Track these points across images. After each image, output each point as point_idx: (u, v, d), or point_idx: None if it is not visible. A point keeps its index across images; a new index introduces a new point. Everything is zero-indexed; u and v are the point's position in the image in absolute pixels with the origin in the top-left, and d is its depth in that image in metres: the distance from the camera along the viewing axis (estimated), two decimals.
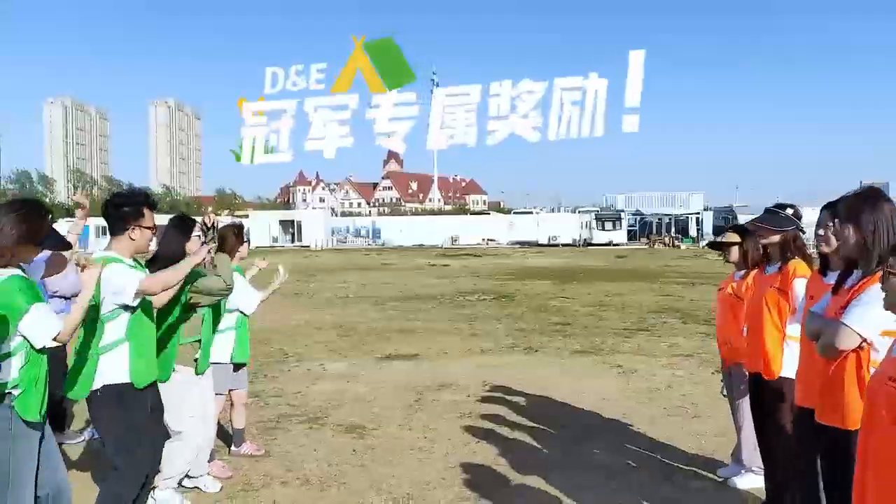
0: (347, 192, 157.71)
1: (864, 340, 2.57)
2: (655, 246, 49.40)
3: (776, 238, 3.70)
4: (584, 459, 4.96)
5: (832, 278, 2.89)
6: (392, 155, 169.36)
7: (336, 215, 78.44)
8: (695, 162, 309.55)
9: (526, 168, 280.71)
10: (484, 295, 16.56)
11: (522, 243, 53.83)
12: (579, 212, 62.46)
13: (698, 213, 60.47)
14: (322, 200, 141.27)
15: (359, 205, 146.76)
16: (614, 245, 50.27)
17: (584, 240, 53.52)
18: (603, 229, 54.04)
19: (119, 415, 3.21)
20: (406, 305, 14.63)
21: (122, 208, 3.30)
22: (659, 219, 62.16)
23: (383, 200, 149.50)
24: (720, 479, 4.50)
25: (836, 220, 2.79)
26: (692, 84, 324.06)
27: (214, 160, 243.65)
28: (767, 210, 3.79)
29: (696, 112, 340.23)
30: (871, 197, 2.70)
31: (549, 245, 52.22)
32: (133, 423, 3.24)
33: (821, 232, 3.00)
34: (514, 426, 5.76)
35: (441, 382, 7.34)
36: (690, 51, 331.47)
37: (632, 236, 57.13)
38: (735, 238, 4.48)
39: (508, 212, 78.92)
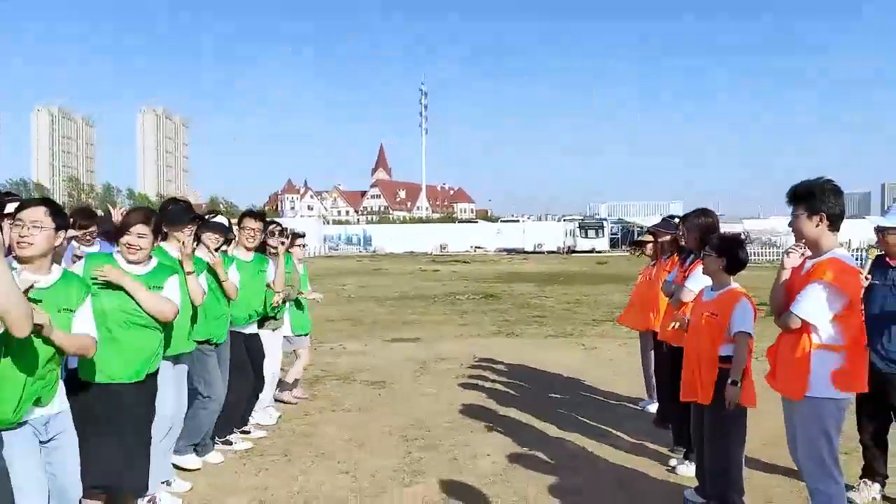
0: (335, 199, 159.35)
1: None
2: (636, 253, 51.34)
3: (668, 237, 5.61)
4: (546, 399, 6.84)
5: (685, 260, 4.80)
6: (380, 163, 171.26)
7: (328, 223, 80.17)
8: (679, 174, 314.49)
9: (513, 177, 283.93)
10: (473, 295, 18.44)
11: (509, 250, 55.91)
12: (564, 220, 64.48)
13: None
14: (310, 208, 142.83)
15: (347, 213, 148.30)
16: (597, 252, 52.30)
17: (568, 247, 55.48)
18: (586, 237, 56.12)
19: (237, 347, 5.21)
20: (404, 303, 16.49)
21: None
22: (640, 227, 64.33)
23: (371, 209, 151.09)
24: (639, 408, 6.40)
25: (683, 227, 4.69)
26: (684, 91, 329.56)
27: (201, 168, 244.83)
28: (663, 218, 5.73)
29: (686, 117, 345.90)
30: (700, 214, 4.62)
31: (534, 252, 54.28)
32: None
33: (681, 233, 4.91)
34: (496, 382, 7.64)
35: (439, 356, 9.20)
36: (679, 60, 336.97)
37: (614, 244, 59.16)
38: (649, 238, 6.37)
39: (496, 220, 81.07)
